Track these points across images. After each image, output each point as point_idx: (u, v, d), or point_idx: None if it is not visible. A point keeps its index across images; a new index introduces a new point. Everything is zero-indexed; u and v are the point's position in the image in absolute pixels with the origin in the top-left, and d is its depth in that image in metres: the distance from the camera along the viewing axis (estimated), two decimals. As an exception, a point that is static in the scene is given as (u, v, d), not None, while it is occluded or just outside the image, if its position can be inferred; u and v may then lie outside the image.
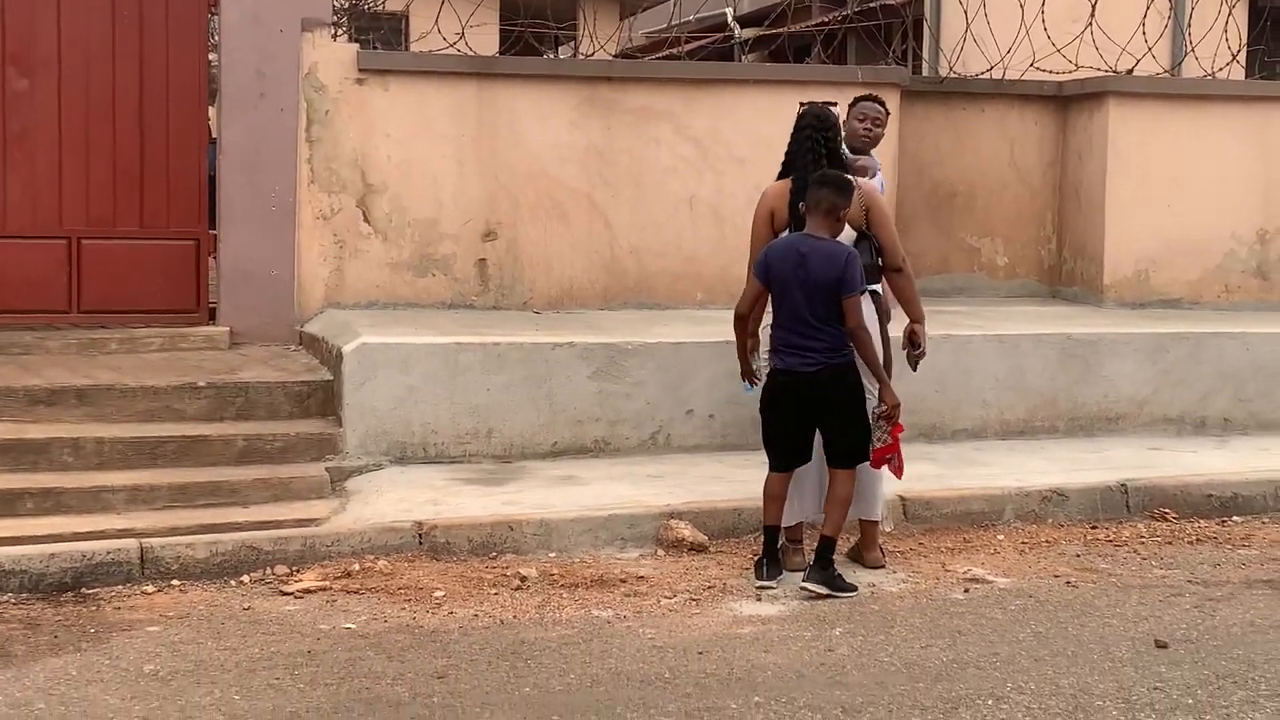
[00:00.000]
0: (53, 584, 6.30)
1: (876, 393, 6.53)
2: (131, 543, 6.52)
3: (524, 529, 6.97)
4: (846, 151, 7.23)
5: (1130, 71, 10.65)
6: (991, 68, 10.59)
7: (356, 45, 9.68)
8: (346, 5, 15.98)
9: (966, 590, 6.53)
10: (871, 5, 14.02)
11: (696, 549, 6.98)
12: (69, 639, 5.75)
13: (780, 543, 6.65)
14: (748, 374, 6.81)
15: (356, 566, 6.58)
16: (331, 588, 6.36)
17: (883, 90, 8.85)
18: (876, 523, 6.89)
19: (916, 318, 6.90)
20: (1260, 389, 9.36)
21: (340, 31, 10.49)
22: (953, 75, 10.84)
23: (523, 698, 5.14)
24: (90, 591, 6.30)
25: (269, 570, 6.55)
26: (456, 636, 5.80)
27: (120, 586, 6.35)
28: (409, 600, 6.23)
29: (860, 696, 5.16)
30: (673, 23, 11.84)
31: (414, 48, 12.70)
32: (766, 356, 6.66)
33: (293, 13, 9.03)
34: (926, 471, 7.82)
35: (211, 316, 9.23)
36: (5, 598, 6.19)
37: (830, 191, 6.42)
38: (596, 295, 9.60)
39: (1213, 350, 9.30)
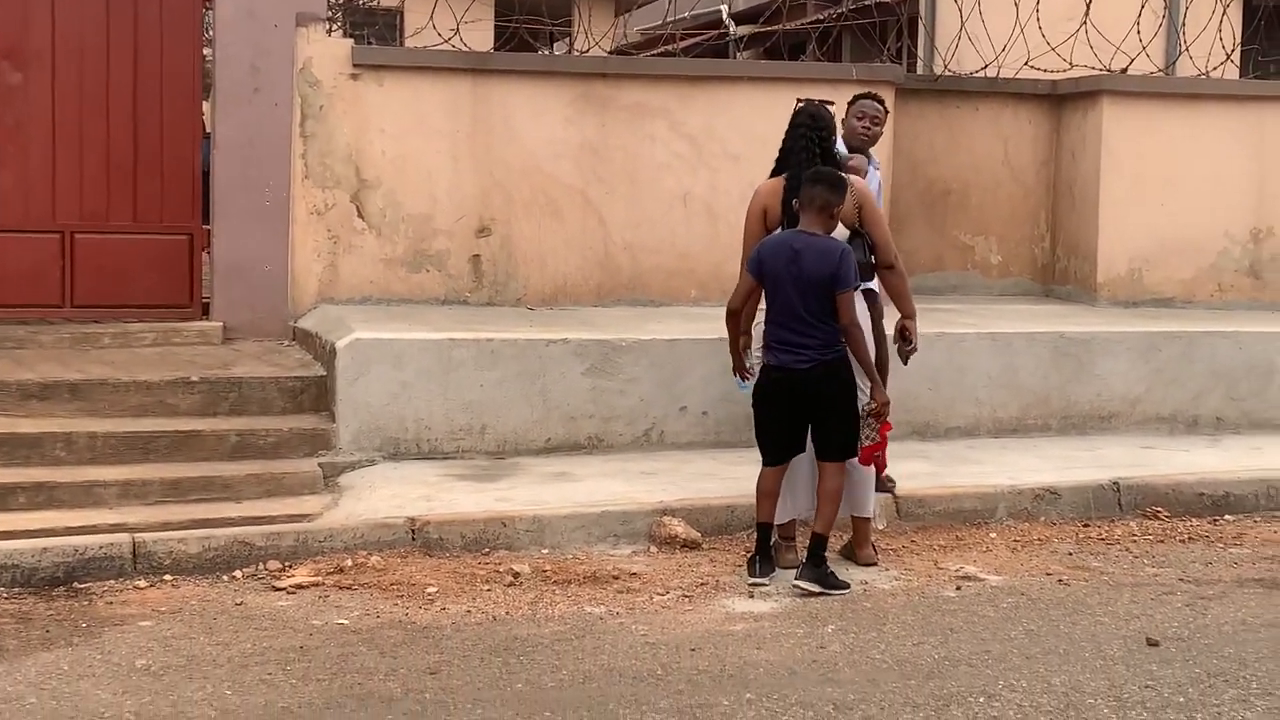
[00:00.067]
0: (45, 578, 6.29)
1: (867, 390, 6.54)
2: (124, 537, 6.52)
3: (517, 525, 6.98)
4: (841, 150, 7.23)
5: (1124, 70, 10.66)
6: (986, 66, 10.59)
7: (351, 40, 9.69)
8: (341, 0, 15.98)
9: (959, 588, 6.54)
10: (867, 3, 14.01)
11: (689, 546, 6.98)
12: (61, 633, 5.75)
13: (773, 540, 6.65)
14: (740, 369, 6.82)
15: (349, 562, 6.58)
16: (324, 583, 6.36)
17: (877, 88, 8.84)
18: (869, 520, 6.90)
19: (908, 313, 6.92)
20: (1253, 388, 9.37)
21: (335, 27, 10.49)
22: (947, 73, 10.85)
23: (515, 694, 5.14)
24: (82, 586, 6.29)
25: (261, 565, 6.55)
26: (449, 632, 5.80)
27: (112, 581, 6.35)
28: (401, 596, 6.23)
29: (852, 694, 5.16)
30: (668, 20, 11.85)
31: (409, 43, 12.72)
32: (759, 353, 6.67)
33: (287, 8, 9.02)
34: (919, 469, 7.83)
35: (205, 311, 9.22)
36: (-3, 592, 6.20)
37: (824, 189, 6.43)
38: (590, 292, 9.60)
39: (1205, 349, 9.31)
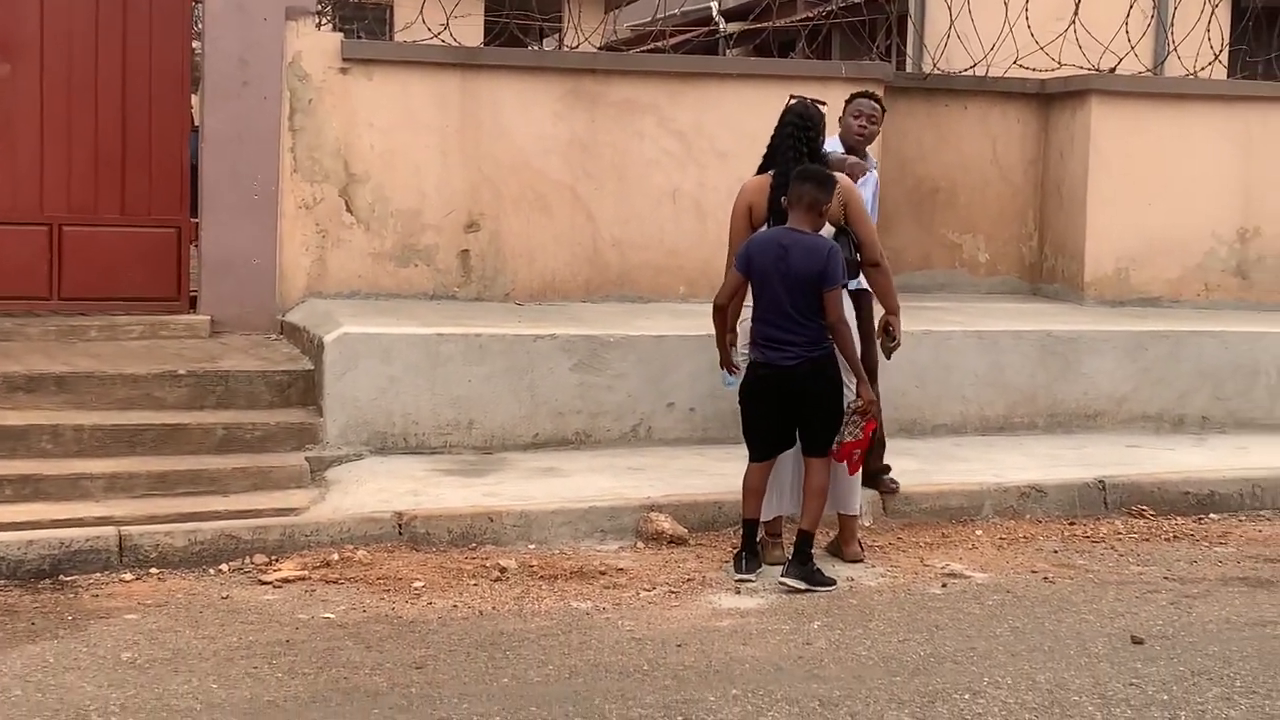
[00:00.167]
0: (30, 571, 6.29)
1: (854, 386, 6.55)
2: (110, 530, 6.52)
3: (504, 520, 6.98)
4: (833, 150, 7.23)
5: (1113, 70, 10.68)
6: (975, 65, 10.61)
7: (340, 35, 9.66)
8: (331, -6, 15.90)
9: (944, 585, 6.55)
10: (856, 1, 14.01)
11: (676, 542, 6.99)
12: (46, 626, 5.74)
13: (759, 536, 6.66)
14: (727, 364, 6.82)
15: (336, 556, 6.58)
16: (310, 577, 6.36)
17: (867, 86, 8.84)
18: (855, 517, 6.91)
19: (892, 310, 6.94)
20: (1238, 388, 9.40)
21: (324, 21, 10.45)
22: (936, 72, 10.87)
23: (501, 689, 5.14)
24: (68, 579, 6.29)
25: (248, 559, 6.54)
26: (435, 627, 5.80)
27: (98, 574, 6.34)
28: (388, 590, 6.23)
29: (837, 690, 5.17)
30: (658, 16, 11.84)
31: (398, 38, 12.69)
32: (745, 349, 6.68)
33: (277, 1, 9.00)
34: (906, 466, 7.84)
35: (192, 305, 9.20)
36: (-17, 584, 6.19)
37: (813, 186, 6.44)
38: (579, 288, 9.60)
39: (1192, 349, 9.34)
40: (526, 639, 5.67)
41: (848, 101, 7.62)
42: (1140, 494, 7.92)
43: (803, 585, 6.35)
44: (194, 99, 9.85)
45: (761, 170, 6.93)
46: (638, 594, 6.29)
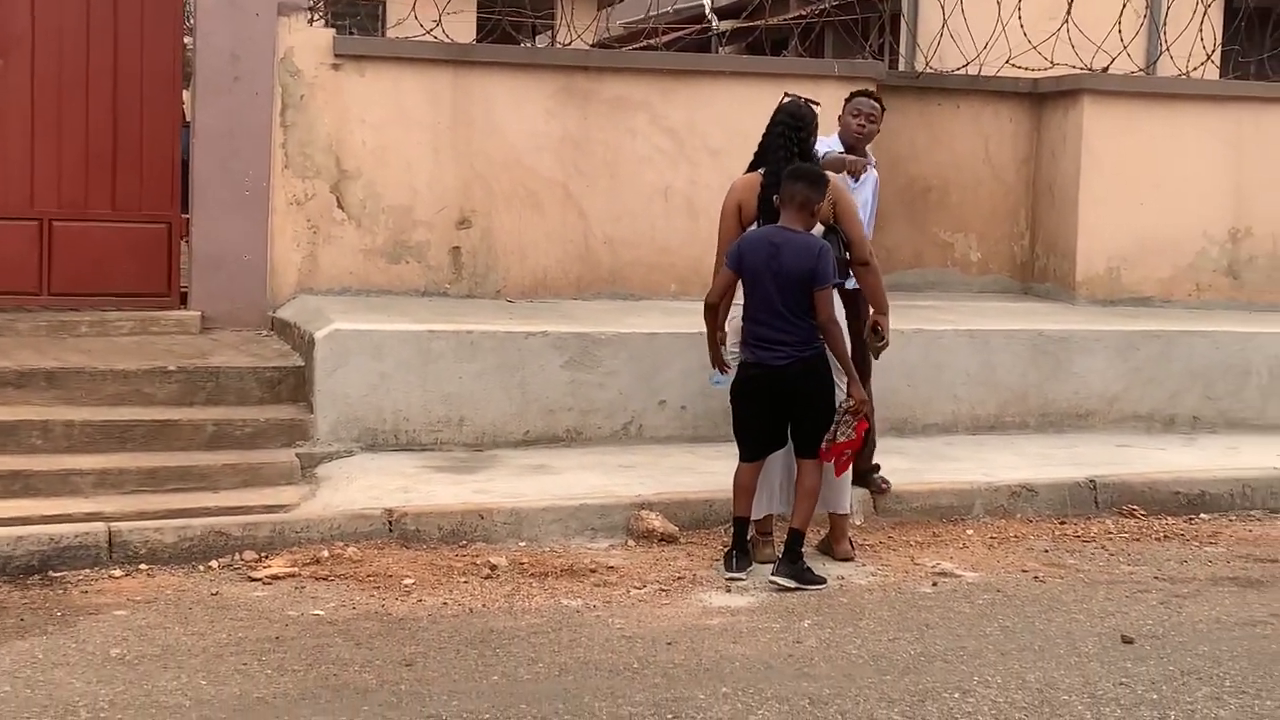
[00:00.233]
0: (19, 567, 6.27)
1: (844, 386, 6.54)
2: (99, 526, 6.50)
3: (494, 517, 6.97)
4: (829, 148, 7.21)
5: (1105, 70, 10.69)
6: (967, 64, 10.61)
7: (332, 30, 9.64)
8: (323, -10, 15.87)
9: (935, 584, 6.55)
10: (849, -1, 14.01)
11: (667, 540, 6.99)
12: (35, 622, 5.72)
13: (750, 535, 6.66)
14: (719, 363, 6.80)
15: (326, 553, 6.57)
16: (300, 574, 6.35)
17: (859, 84, 8.84)
18: (846, 516, 6.92)
19: (881, 309, 6.93)
20: (1229, 387, 9.42)
21: (316, 16, 10.42)
22: (929, 71, 10.86)
23: (490, 686, 5.14)
24: (57, 575, 6.27)
25: (237, 556, 6.53)
26: (425, 624, 5.79)
27: (88, 570, 6.33)
28: (378, 587, 6.22)
29: (828, 688, 5.17)
30: (650, 13, 11.83)
31: (390, 34, 12.66)
32: (735, 347, 6.67)
33: (269, -3, 9.00)
34: (897, 465, 7.84)
35: (183, 300, 9.18)
36: (-29, 580, 6.17)
37: (805, 186, 6.44)
38: (570, 285, 9.59)
39: (1183, 348, 9.35)
40: (516, 636, 5.66)
41: (847, 100, 7.60)
42: (1131, 494, 7.93)
43: (793, 584, 6.35)
44: (186, 94, 9.82)
45: (751, 169, 6.93)
46: (628, 592, 6.29)
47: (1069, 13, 10.43)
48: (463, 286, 9.42)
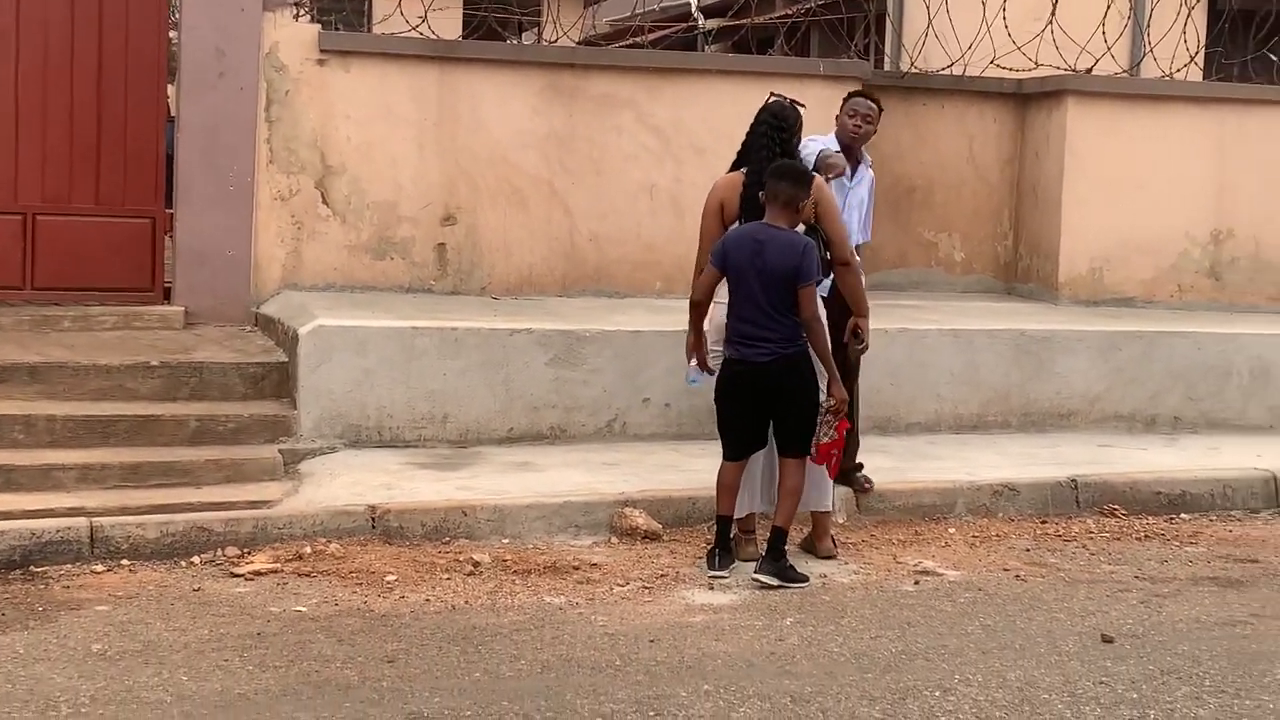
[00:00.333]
0: (1, 562, 6.25)
1: (825, 386, 6.54)
2: (81, 521, 6.49)
3: (478, 514, 6.97)
4: (822, 147, 7.20)
5: (1089, 71, 10.71)
6: (952, 64, 10.63)
7: (318, 26, 9.62)
8: (309, -15, 15.83)
9: (917, 582, 6.57)
10: (835, -1, 14.03)
11: (650, 537, 6.99)
12: (16, 617, 5.71)
13: (733, 533, 6.67)
14: (702, 362, 6.80)
15: (308, 549, 6.56)
16: (283, 570, 6.34)
17: (844, 84, 8.87)
18: (829, 514, 6.93)
19: (861, 312, 6.93)
20: (1211, 388, 9.45)
21: (302, 12, 10.40)
22: (914, 71, 10.88)
23: (473, 683, 5.14)
24: (39, 570, 6.26)
25: (220, 551, 6.53)
26: (407, 621, 5.79)
27: (69, 565, 6.32)
28: (360, 584, 6.22)
29: (809, 686, 5.19)
30: (637, 11, 11.83)
31: (376, 30, 12.63)
32: (718, 346, 6.67)
33: (254, -9, 8.98)
34: (880, 464, 7.86)
35: (167, 296, 9.16)
36: (-47, 575, 6.16)
37: (789, 184, 6.44)
38: (555, 282, 9.59)
39: (1165, 349, 9.38)
40: (499, 633, 5.67)
41: (845, 99, 7.59)
42: (1112, 493, 7.95)
43: (775, 581, 6.36)
44: (170, 89, 9.80)
45: (734, 168, 6.93)
46: (611, 589, 6.30)
47: (1053, 14, 10.45)
48: (447, 283, 9.41)
